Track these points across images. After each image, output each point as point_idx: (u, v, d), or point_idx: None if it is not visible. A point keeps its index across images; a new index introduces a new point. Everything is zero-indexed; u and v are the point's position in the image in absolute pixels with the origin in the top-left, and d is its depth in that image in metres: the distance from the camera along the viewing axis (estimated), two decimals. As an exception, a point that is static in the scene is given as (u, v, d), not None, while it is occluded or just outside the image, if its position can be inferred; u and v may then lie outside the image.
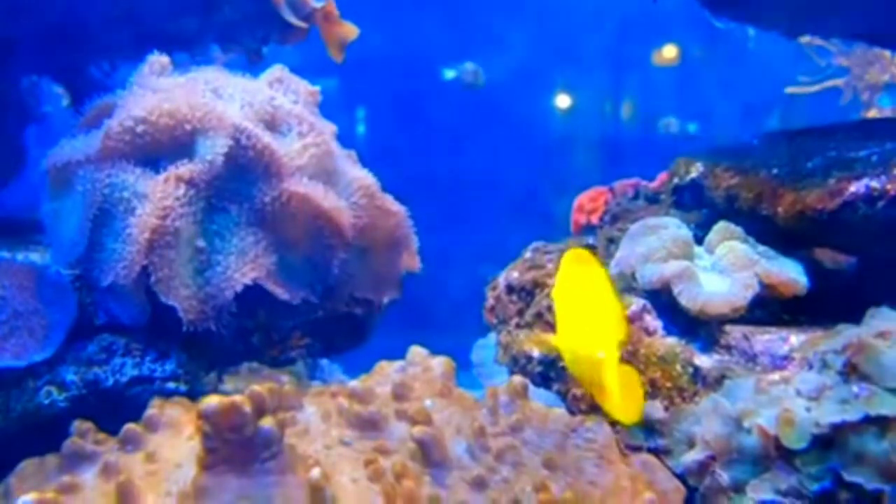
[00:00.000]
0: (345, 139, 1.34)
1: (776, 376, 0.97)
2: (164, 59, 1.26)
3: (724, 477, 0.89)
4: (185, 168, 1.08)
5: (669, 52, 3.62)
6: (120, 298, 1.08)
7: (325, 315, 1.27)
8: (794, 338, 1.03)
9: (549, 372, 1.16)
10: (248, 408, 0.78)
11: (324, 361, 1.84)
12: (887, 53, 2.57)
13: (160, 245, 1.03)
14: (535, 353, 1.20)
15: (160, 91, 1.15)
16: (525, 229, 1.73)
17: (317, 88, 1.34)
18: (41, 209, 1.17)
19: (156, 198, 1.04)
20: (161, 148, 1.11)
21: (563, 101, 3.73)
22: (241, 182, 1.12)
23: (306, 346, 1.29)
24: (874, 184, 1.05)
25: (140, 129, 1.09)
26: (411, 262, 1.31)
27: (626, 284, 1.20)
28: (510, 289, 1.39)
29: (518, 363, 1.25)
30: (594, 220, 1.60)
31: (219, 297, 1.07)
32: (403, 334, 1.32)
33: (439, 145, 3.48)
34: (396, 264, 1.30)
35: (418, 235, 1.33)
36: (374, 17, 2.00)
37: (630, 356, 1.09)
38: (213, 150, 1.08)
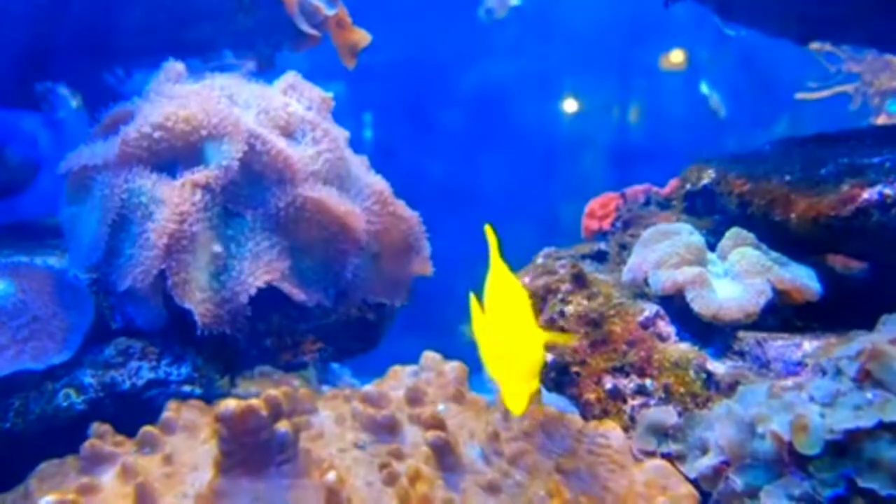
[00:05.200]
0: (353, 142, 1.35)
1: (790, 382, 0.97)
2: (180, 66, 1.27)
3: (737, 482, 0.89)
4: (201, 174, 1.09)
5: (677, 56, 3.62)
6: (137, 302, 1.09)
7: (338, 319, 1.27)
8: (807, 344, 1.03)
9: (562, 377, 1.17)
10: (264, 412, 0.79)
11: (334, 365, 1.85)
12: (898, 59, 2.56)
13: (177, 250, 1.04)
14: (549, 358, 1.20)
15: (176, 98, 1.16)
16: (534, 234, 1.73)
17: (330, 95, 1.35)
18: (59, 213, 1.18)
19: (173, 203, 1.05)
20: (177, 154, 1.12)
21: (570, 105, 3.74)
22: (256, 187, 1.14)
23: (319, 351, 1.29)
24: (887, 191, 1.05)
25: (157, 135, 1.10)
26: (424, 267, 1.31)
27: (638, 290, 1.21)
28: (522, 294, 1.39)
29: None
30: (605, 225, 1.60)
31: (234, 300, 1.08)
32: (411, 337, 1.33)
33: (447, 150, 3.49)
34: (408, 269, 1.31)
35: (428, 239, 1.33)
36: (383, 23, 2.01)
37: (643, 362, 1.09)
38: (229, 155, 1.09)
